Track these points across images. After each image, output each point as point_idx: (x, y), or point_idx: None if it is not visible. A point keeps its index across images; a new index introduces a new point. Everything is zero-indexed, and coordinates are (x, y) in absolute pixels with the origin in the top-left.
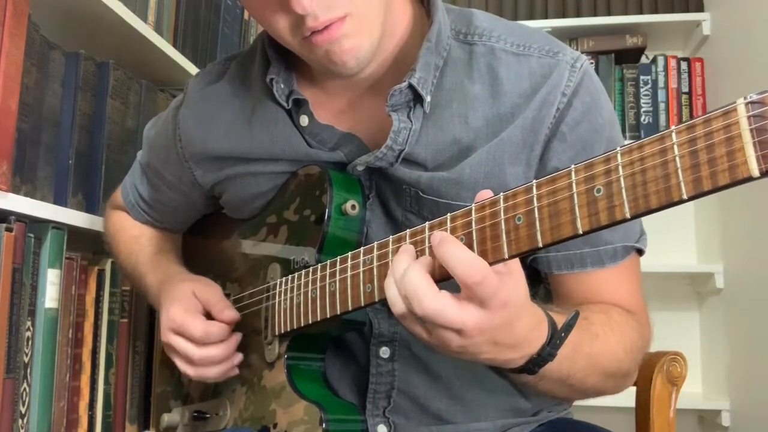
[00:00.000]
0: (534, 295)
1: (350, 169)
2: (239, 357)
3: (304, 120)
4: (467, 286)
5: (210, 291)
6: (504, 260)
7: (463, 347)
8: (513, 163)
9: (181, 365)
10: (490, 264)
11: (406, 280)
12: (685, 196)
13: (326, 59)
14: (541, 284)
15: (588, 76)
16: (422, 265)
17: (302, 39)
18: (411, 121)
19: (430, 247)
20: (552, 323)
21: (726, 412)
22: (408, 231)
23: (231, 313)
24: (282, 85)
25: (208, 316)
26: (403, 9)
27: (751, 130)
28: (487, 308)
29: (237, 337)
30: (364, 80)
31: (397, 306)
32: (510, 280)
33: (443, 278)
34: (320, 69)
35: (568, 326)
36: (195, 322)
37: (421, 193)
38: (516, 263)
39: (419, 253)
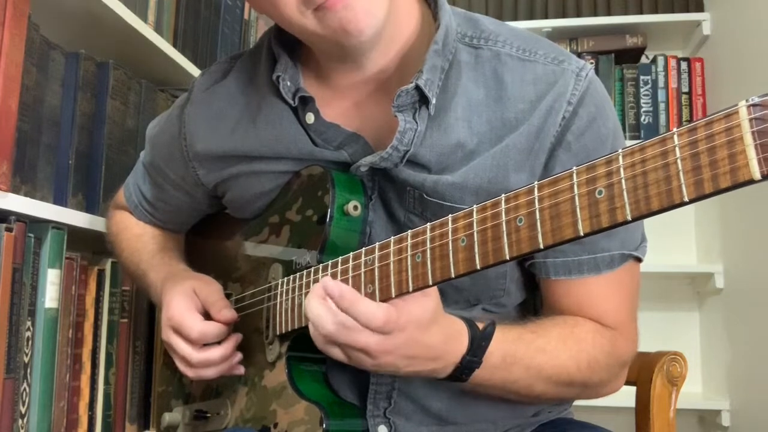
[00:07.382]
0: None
1: (353, 169)
2: (238, 356)
3: (309, 117)
4: (371, 328)
5: (210, 289)
6: (505, 261)
7: (377, 366)
8: (517, 170)
9: (180, 365)
10: (490, 266)
11: (307, 310)
12: (686, 199)
13: (340, 29)
14: (537, 290)
15: (593, 85)
16: (321, 296)
17: (314, 11)
18: (416, 123)
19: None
20: (474, 334)
21: (726, 412)
22: (409, 232)
23: (229, 313)
24: (288, 83)
25: (208, 314)
26: (411, 11)
27: (753, 133)
28: (386, 335)
29: (236, 338)
30: (371, 79)
31: (312, 333)
32: (413, 304)
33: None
34: (331, 50)
35: (483, 337)
36: (192, 323)
37: (425, 196)
38: (433, 288)
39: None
